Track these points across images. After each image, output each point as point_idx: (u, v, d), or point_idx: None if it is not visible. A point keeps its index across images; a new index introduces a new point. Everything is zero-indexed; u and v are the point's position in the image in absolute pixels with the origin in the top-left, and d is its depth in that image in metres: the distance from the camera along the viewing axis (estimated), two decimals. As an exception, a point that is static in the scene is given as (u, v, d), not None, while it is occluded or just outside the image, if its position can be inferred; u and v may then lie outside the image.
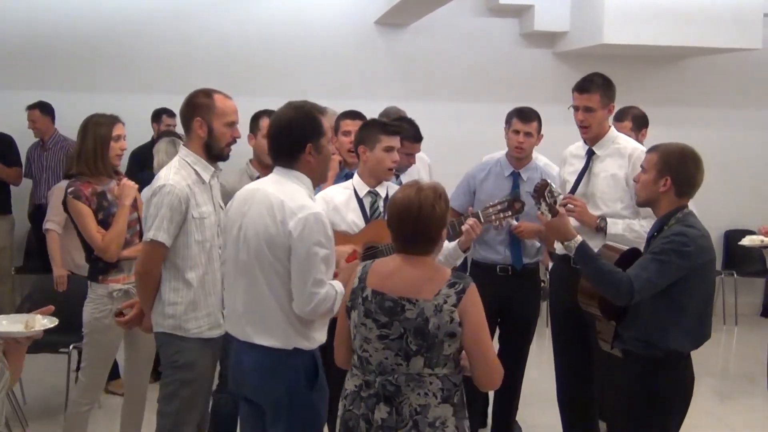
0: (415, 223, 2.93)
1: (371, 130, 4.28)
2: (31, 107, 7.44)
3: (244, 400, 3.50)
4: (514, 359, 5.08)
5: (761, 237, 5.56)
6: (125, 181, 4.55)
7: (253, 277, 3.31)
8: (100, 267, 4.43)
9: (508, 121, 5.02)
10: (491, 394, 5.21)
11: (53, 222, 5.83)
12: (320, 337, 3.40)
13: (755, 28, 7.99)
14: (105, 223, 4.41)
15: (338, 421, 3.05)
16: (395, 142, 4.22)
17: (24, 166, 7.60)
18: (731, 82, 9.14)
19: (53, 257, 5.82)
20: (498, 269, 4.94)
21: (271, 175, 3.42)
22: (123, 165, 7.35)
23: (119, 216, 4.42)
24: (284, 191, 3.28)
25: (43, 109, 7.43)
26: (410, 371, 2.91)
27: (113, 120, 4.49)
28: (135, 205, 4.55)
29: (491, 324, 4.90)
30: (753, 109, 9.19)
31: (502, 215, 4.20)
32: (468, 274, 5.10)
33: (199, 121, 3.75)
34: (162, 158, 5.09)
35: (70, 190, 4.44)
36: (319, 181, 3.52)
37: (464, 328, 2.90)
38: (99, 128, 4.43)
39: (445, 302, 2.89)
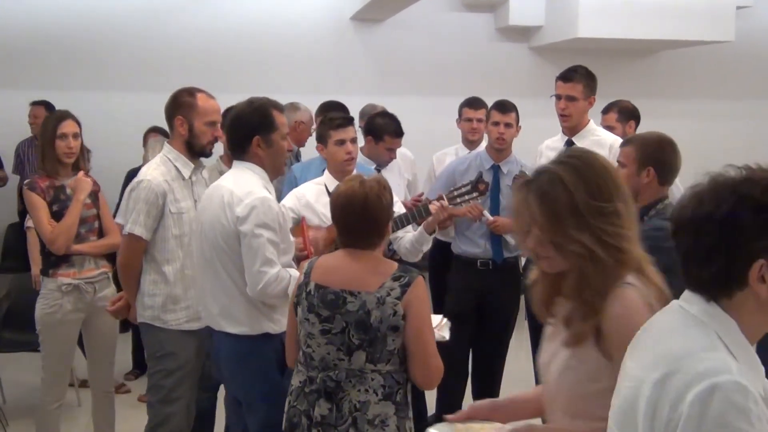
0: (361, 215, 2.87)
1: (321, 128, 4.44)
2: (36, 104, 7.42)
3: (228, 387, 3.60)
4: (494, 353, 5.11)
5: None
6: (80, 175, 4.49)
7: (216, 270, 3.41)
8: (52, 261, 4.43)
9: (487, 114, 5.05)
10: (470, 391, 5.21)
11: None
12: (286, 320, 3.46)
13: (728, 21, 8.08)
14: (59, 215, 4.38)
15: (284, 416, 3.00)
16: (344, 134, 4.30)
17: (14, 163, 7.61)
18: (705, 75, 9.22)
19: (32, 256, 5.79)
20: (479, 263, 4.95)
21: (231, 170, 3.54)
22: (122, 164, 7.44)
23: (71, 210, 4.38)
24: (237, 182, 3.39)
25: (48, 108, 7.44)
26: (352, 367, 2.84)
27: (60, 117, 4.43)
28: (96, 203, 4.52)
29: (471, 317, 4.96)
30: (726, 100, 9.29)
31: (467, 197, 4.26)
32: (451, 267, 5.13)
33: (181, 119, 3.81)
34: (147, 156, 5.12)
35: (26, 182, 4.46)
36: (274, 174, 3.57)
37: (407, 322, 2.82)
38: (46, 125, 4.43)
39: (389, 294, 2.82)
